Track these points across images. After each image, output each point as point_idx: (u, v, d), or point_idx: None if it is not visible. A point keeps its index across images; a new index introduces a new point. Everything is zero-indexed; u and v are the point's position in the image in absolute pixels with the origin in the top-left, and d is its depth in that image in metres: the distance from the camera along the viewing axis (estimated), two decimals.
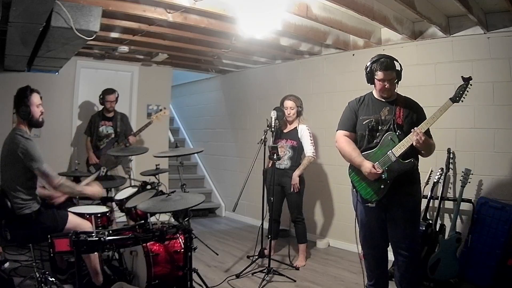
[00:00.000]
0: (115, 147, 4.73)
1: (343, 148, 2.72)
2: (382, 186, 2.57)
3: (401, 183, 2.55)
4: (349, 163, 2.76)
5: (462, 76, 2.53)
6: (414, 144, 2.46)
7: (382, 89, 2.61)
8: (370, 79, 2.67)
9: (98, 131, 4.87)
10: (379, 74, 2.57)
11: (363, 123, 2.66)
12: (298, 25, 3.88)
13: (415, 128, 2.46)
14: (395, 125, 2.58)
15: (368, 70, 2.65)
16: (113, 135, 4.89)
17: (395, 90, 2.67)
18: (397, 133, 2.55)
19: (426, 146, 2.52)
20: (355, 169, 2.71)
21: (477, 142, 3.62)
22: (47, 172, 2.66)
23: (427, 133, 2.53)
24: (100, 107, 5.02)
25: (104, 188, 4.30)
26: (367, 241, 2.74)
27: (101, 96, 4.89)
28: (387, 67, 2.55)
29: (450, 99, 2.50)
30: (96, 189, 3.00)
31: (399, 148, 2.51)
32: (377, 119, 2.62)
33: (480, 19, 3.42)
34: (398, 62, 2.61)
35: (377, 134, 2.62)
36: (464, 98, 2.49)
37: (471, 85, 2.51)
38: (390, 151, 2.54)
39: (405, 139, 2.51)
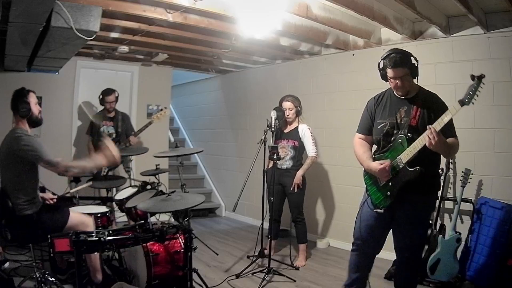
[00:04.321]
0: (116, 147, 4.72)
1: (356, 152, 2.64)
2: (388, 193, 2.45)
3: (414, 191, 2.37)
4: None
5: (471, 75, 2.10)
6: (427, 145, 2.16)
7: (395, 87, 2.46)
8: (384, 76, 2.49)
9: (99, 131, 4.86)
10: (389, 72, 2.40)
11: (378, 127, 2.53)
12: (298, 25, 3.87)
13: (428, 126, 2.15)
14: (408, 127, 2.37)
15: (380, 67, 2.48)
16: (114, 135, 4.88)
17: (415, 85, 2.48)
18: (407, 137, 2.35)
19: (442, 147, 2.20)
20: (368, 173, 2.62)
21: (477, 142, 3.62)
22: (51, 160, 2.66)
23: (448, 131, 2.26)
24: (100, 107, 5.02)
25: (104, 188, 4.33)
26: (361, 234, 2.60)
27: (100, 97, 4.87)
28: (396, 63, 2.36)
29: (459, 101, 2.12)
30: (110, 153, 2.75)
31: (407, 154, 2.32)
32: (392, 123, 2.46)
33: (480, 19, 3.41)
34: (412, 56, 2.41)
35: (392, 138, 2.46)
36: (475, 100, 2.08)
37: (483, 84, 2.08)
38: (399, 156, 2.37)
39: (413, 143, 2.28)
